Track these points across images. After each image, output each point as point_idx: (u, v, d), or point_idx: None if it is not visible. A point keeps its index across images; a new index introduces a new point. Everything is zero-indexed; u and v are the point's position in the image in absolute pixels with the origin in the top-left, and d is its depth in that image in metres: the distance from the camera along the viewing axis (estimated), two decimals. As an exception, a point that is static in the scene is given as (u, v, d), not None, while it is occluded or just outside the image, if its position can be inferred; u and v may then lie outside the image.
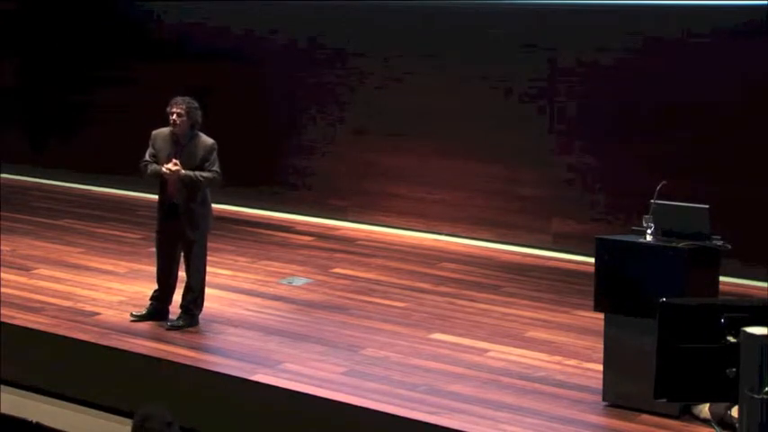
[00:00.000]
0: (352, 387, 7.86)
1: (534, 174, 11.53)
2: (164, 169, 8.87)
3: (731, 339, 5.53)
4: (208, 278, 10.29)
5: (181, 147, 8.96)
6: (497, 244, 11.64)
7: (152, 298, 9.25)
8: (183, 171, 8.85)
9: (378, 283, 10.36)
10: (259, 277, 10.48)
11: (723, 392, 5.64)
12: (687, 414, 7.34)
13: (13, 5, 15.07)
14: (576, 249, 10.93)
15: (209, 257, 11.04)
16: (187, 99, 8.98)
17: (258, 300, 9.83)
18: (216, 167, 8.96)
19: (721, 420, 6.97)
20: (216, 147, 8.99)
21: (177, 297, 9.20)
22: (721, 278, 7.63)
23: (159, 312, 9.20)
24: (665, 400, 6.00)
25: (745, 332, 5.45)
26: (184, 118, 8.91)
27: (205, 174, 8.91)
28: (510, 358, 8.46)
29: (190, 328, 8.98)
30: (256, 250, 11.43)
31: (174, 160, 8.87)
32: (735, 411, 6.25)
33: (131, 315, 9.24)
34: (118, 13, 14.35)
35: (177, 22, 13.88)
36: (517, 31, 11.57)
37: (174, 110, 8.93)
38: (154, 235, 9.34)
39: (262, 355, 8.48)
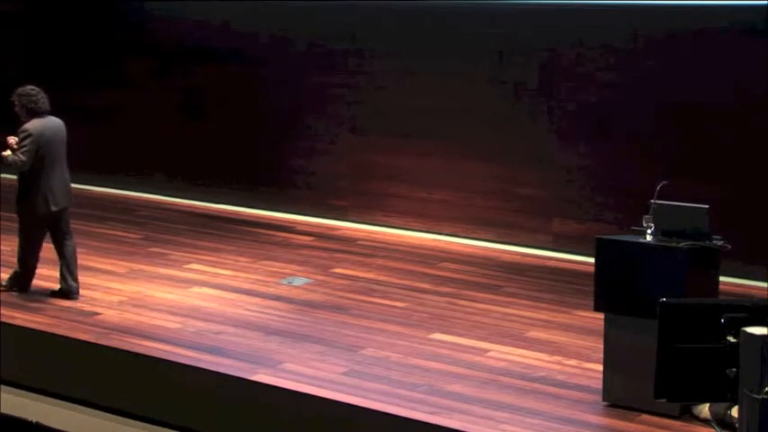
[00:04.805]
0: (352, 387, 7.86)
1: (534, 174, 11.53)
2: None
3: (731, 339, 5.54)
4: (208, 278, 10.35)
5: None
6: (497, 244, 11.64)
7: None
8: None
9: (378, 283, 10.35)
10: (259, 277, 10.47)
11: (723, 392, 5.65)
12: (687, 414, 7.34)
13: (17, 7, 15.06)
14: (576, 249, 10.94)
15: (208, 257, 11.09)
16: (22, 89, 9.52)
17: (258, 300, 9.82)
18: (21, 151, 9.30)
19: (721, 420, 6.97)
20: (25, 133, 9.34)
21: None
22: (721, 278, 7.62)
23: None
24: (664, 400, 6.01)
25: (745, 332, 5.46)
26: (17, 106, 9.49)
27: (11, 156, 9.35)
28: (510, 358, 8.46)
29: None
30: (256, 250, 11.42)
31: (9, 139, 9.39)
32: (735, 411, 6.25)
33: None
34: (117, 14, 14.34)
35: (177, 23, 13.87)
36: (517, 30, 11.56)
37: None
38: None
39: (262, 355, 8.47)
